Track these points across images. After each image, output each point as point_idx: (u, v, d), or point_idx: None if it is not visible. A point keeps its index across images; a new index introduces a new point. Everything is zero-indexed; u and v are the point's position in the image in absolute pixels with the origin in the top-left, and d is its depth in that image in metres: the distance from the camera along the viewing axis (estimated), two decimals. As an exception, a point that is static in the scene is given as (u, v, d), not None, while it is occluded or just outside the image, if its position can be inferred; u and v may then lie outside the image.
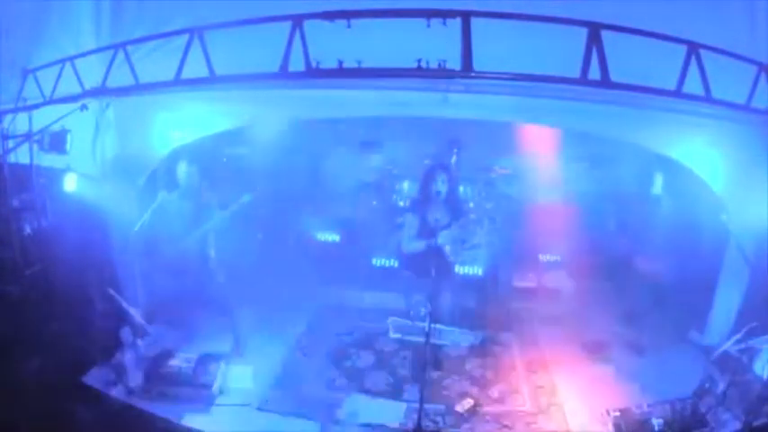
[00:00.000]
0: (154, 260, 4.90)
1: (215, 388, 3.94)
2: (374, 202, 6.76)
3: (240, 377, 4.17)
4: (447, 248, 4.19)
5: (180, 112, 4.51)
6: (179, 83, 3.39)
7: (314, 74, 3.19)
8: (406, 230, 4.27)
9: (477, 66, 2.98)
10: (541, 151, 6.13)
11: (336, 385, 4.31)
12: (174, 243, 4.54)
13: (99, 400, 3.94)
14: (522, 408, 4.06)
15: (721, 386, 3.76)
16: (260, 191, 4.60)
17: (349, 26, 3.03)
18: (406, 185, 6.35)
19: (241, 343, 4.68)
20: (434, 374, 4.33)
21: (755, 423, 3.45)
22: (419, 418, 3.42)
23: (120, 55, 3.59)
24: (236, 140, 6.06)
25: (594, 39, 2.96)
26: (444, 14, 2.94)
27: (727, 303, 4.49)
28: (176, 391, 3.90)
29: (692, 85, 3.13)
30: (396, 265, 5.40)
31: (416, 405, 3.49)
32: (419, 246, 4.15)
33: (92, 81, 3.76)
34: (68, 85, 3.80)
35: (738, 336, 3.87)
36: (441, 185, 4.15)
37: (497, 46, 2.97)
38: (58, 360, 4.00)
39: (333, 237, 6.47)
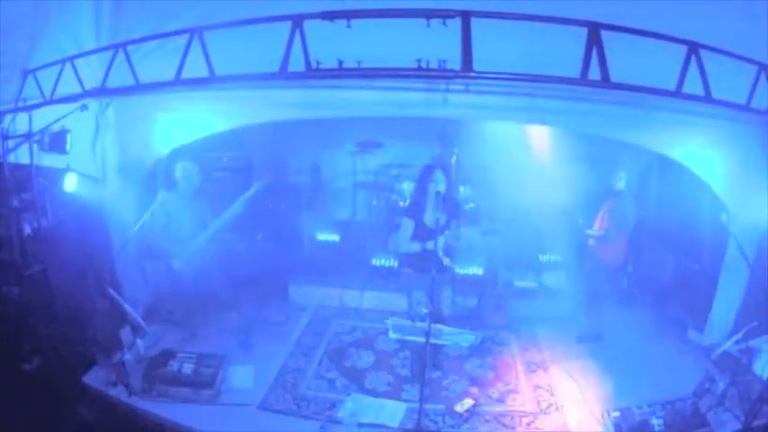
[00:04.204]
0: (154, 260, 4.91)
1: (215, 388, 3.94)
2: (374, 202, 6.77)
3: (240, 377, 4.17)
4: (447, 248, 4.19)
5: (180, 112, 4.52)
6: (179, 83, 3.38)
7: (314, 74, 3.19)
8: (401, 232, 4.28)
9: (477, 66, 2.98)
10: (541, 151, 6.14)
11: (336, 385, 4.31)
12: (174, 243, 4.53)
13: (99, 400, 3.94)
14: (522, 408, 4.06)
15: (721, 386, 3.77)
16: (261, 186, 4.59)
17: (349, 26, 3.03)
18: (405, 185, 6.35)
19: (246, 342, 4.69)
20: (434, 374, 4.34)
21: (755, 423, 3.46)
22: (419, 418, 3.42)
23: (120, 55, 3.59)
24: (235, 141, 6.06)
25: (594, 39, 2.96)
26: (444, 14, 2.93)
27: (726, 303, 4.48)
28: (176, 391, 3.90)
29: (692, 85, 3.13)
30: (395, 265, 5.40)
31: (416, 405, 3.49)
32: (416, 247, 4.16)
33: (92, 81, 3.75)
34: (68, 85, 3.80)
35: (738, 336, 3.88)
36: (440, 185, 4.14)
37: (497, 46, 2.97)
38: (58, 360, 4.00)
39: (333, 237, 6.47)
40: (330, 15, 3.02)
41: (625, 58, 3.00)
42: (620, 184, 4.87)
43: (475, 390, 4.23)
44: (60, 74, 3.81)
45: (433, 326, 3.43)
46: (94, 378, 4.10)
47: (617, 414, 3.62)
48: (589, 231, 5.26)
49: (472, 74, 3.00)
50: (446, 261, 4.13)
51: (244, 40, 3.25)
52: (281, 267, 6.06)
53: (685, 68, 3.09)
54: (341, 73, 3.19)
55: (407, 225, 4.25)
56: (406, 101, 4.16)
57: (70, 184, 4.19)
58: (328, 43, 3.12)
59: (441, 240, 3.97)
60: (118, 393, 3.92)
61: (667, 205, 5.48)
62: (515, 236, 6.19)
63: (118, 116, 4.46)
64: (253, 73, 3.28)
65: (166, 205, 4.47)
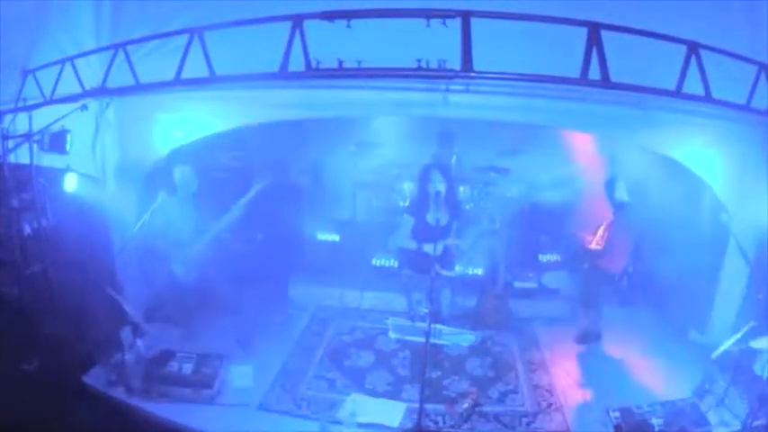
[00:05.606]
0: (154, 260, 4.90)
1: (215, 388, 3.94)
2: (374, 202, 6.77)
3: (240, 377, 4.17)
4: (447, 248, 4.19)
5: (180, 112, 4.51)
6: (179, 83, 3.38)
7: (314, 74, 3.19)
8: (401, 230, 4.28)
9: (477, 66, 2.98)
10: (542, 151, 6.14)
11: (336, 385, 4.31)
12: (174, 243, 4.53)
13: (99, 400, 3.94)
14: (521, 408, 4.06)
15: (721, 386, 3.77)
16: (261, 187, 4.58)
17: (349, 26, 3.03)
18: (405, 185, 6.35)
19: (246, 342, 4.69)
20: (434, 374, 4.34)
21: (755, 423, 3.45)
22: (419, 418, 3.42)
23: (120, 55, 3.59)
24: (235, 141, 6.06)
25: (594, 39, 2.96)
26: (444, 14, 2.94)
27: (727, 303, 4.49)
28: (176, 391, 3.90)
29: (692, 85, 3.13)
30: (395, 265, 5.41)
31: (416, 405, 3.48)
32: (413, 245, 4.16)
33: (92, 81, 3.75)
34: (68, 85, 3.80)
35: (739, 335, 3.87)
36: (439, 185, 4.15)
37: (497, 46, 2.97)
38: (58, 360, 4.00)
39: (333, 237, 6.46)
40: (330, 15, 3.02)
41: (625, 58, 3.00)
42: (623, 194, 4.77)
43: (475, 390, 4.22)
44: (60, 74, 3.81)
45: (432, 326, 3.43)
46: (94, 378, 4.10)
47: (617, 414, 3.62)
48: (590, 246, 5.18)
49: (472, 74, 3.00)
50: (442, 271, 4.13)
51: (244, 40, 3.26)
52: (281, 267, 6.05)
53: (685, 68, 3.10)
54: (341, 73, 3.19)
55: (407, 222, 4.26)
56: (406, 101, 4.16)
57: (70, 184, 4.19)
58: (328, 43, 3.12)
59: (439, 247, 3.96)
60: (118, 393, 3.93)
61: (667, 205, 5.47)
62: (515, 236, 6.18)
63: (118, 116, 4.47)
64: (253, 73, 3.28)
65: (166, 208, 4.46)
